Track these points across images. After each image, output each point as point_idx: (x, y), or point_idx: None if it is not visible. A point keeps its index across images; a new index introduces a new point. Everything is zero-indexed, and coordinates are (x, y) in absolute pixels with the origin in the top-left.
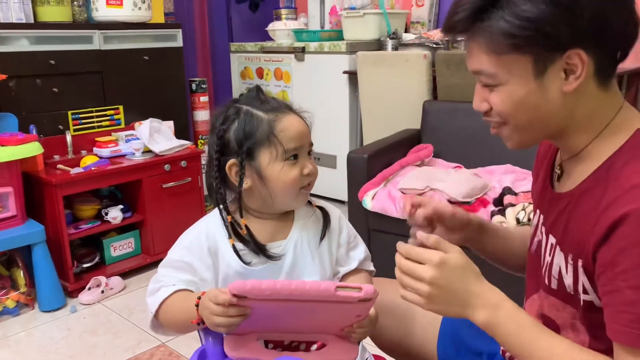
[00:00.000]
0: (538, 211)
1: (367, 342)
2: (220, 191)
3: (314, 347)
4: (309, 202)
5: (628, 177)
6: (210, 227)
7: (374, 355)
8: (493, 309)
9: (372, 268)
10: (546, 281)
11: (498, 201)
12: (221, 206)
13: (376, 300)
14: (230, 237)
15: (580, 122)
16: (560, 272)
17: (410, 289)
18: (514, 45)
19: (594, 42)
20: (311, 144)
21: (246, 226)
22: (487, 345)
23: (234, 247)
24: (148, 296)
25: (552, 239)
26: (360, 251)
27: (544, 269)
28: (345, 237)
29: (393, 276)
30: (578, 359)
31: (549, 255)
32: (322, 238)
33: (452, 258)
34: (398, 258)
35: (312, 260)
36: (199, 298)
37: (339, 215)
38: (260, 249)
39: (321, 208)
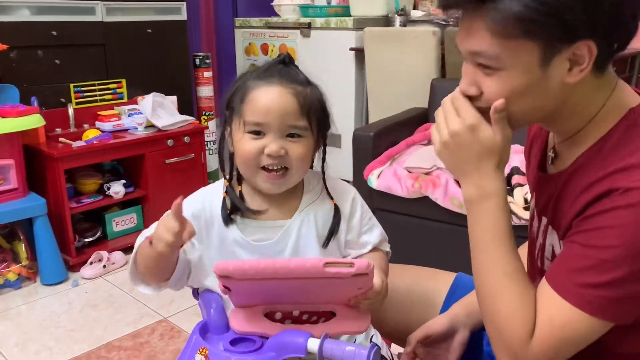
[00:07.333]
0: (534, 194)
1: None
2: (226, 158)
3: (322, 319)
4: (329, 196)
5: (613, 161)
6: (213, 195)
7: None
8: (482, 195)
9: (387, 249)
10: (539, 264)
11: (506, 181)
12: (227, 174)
13: (374, 272)
14: (225, 208)
15: (573, 108)
16: (553, 252)
17: (436, 129)
18: (525, 30)
19: (605, 34)
20: (296, 127)
21: (241, 192)
22: None
23: (228, 216)
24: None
25: (544, 221)
26: (375, 235)
27: (537, 252)
28: (357, 220)
29: (398, 256)
30: (503, 290)
31: (542, 237)
32: (327, 241)
33: (484, 130)
34: (447, 98)
35: (316, 242)
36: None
37: (352, 197)
38: (243, 209)
39: (336, 207)
